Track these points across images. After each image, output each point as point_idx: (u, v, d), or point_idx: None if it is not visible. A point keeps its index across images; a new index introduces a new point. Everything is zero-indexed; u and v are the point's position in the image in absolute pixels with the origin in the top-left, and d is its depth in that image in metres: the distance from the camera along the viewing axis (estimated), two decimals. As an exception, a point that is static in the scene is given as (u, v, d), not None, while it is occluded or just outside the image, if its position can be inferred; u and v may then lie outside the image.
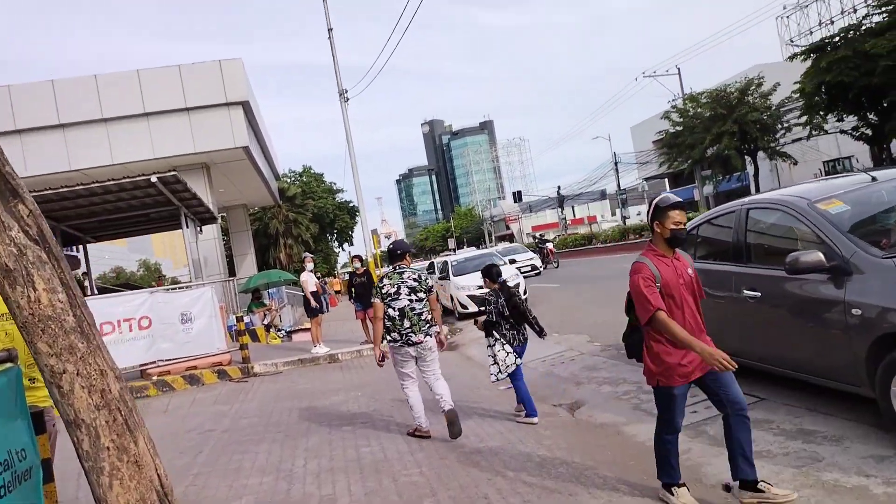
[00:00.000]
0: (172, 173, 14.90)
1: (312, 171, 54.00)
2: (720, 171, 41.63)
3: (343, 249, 58.16)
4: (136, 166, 19.84)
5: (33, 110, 19.71)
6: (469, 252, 20.45)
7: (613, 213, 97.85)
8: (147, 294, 9.54)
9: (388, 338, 5.50)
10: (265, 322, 14.20)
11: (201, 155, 21.41)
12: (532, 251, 29.50)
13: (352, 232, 55.38)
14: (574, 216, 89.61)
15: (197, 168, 22.20)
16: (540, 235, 35.34)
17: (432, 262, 24.15)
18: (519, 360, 5.76)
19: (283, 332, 14.06)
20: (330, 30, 19.21)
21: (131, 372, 9.57)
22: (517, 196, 68.76)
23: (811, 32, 56.04)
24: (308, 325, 11.82)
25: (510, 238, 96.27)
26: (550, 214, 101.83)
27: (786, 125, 36.11)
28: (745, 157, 38.55)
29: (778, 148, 37.28)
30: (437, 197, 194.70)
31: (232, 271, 33.97)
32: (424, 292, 5.57)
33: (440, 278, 16.60)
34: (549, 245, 31.42)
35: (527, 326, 6.11)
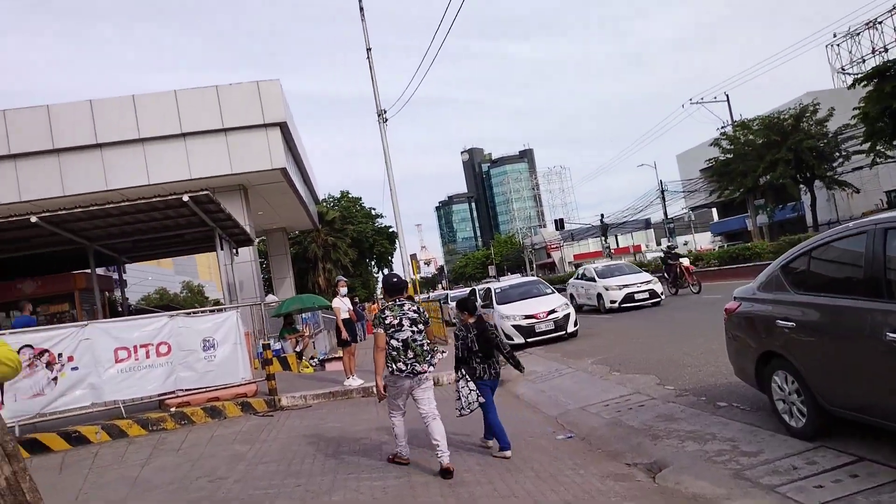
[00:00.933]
0: (205, 192, 14.35)
1: (351, 196, 53.84)
2: (773, 200, 39.86)
3: (383, 275, 57.68)
4: (173, 187, 19.47)
5: (71, 130, 19.59)
6: (513, 279, 19.24)
7: (658, 243, 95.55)
8: (166, 318, 8.78)
9: (393, 367, 5.57)
10: (297, 349, 13.38)
11: (238, 176, 21.00)
12: (649, 271, 22.22)
13: (391, 257, 54.85)
14: (617, 245, 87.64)
15: (234, 189, 21.80)
16: (668, 248, 26.45)
17: (473, 289, 23.11)
18: (482, 399, 5.90)
19: (315, 360, 13.22)
20: (369, 49, 18.68)
21: (149, 402, 8.79)
22: (559, 224, 67.31)
23: (863, 60, 54.34)
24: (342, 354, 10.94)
25: (551, 267, 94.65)
26: (593, 243, 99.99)
27: (844, 153, 34.41)
28: (801, 185, 36.78)
29: (836, 176, 35.50)
30: (476, 224, 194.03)
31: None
32: (423, 324, 5.74)
33: (483, 306, 15.56)
34: (685, 261, 22.07)
35: (502, 360, 6.23)
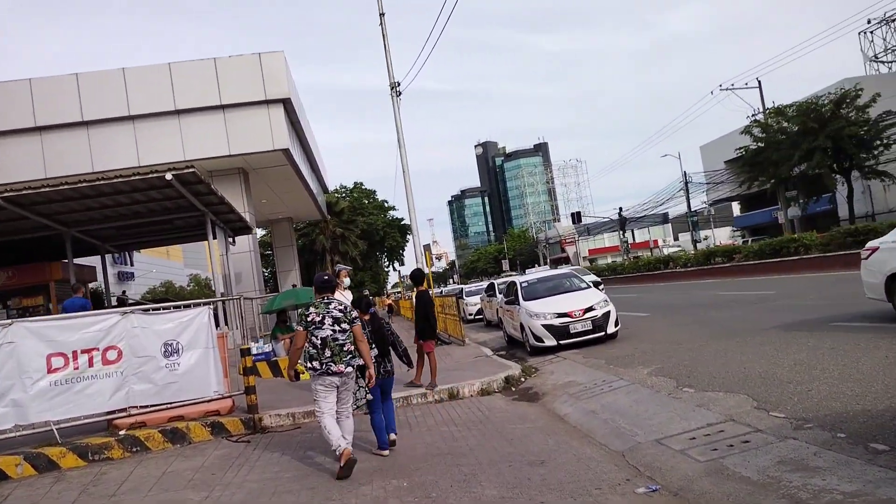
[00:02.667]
0: (191, 170, 12.58)
1: (364, 188, 52.01)
2: (806, 191, 37.60)
3: (394, 269, 55.81)
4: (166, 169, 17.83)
5: (55, 106, 17.91)
6: (542, 271, 17.05)
7: (676, 238, 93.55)
8: (117, 316, 6.91)
9: (309, 366, 5.58)
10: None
11: (237, 158, 19.26)
12: None
13: (402, 251, 53.06)
14: (633, 240, 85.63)
15: (233, 173, 20.09)
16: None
17: (492, 283, 21.15)
18: (370, 396, 5.93)
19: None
20: (381, 14, 16.79)
21: (95, 423, 6.96)
22: (576, 217, 65.21)
23: (901, 47, 51.67)
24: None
25: (565, 262, 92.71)
26: (608, 238, 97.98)
27: (885, 141, 32.16)
28: (836, 176, 34.51)
29: (876, 166, 33.23)
30: (489, 219, 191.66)
31: (276, 289, 31.86)
32: (348, 323, 5.69)
33: (506, 303, 13.66)
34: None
35: (394, 357, 6.49)
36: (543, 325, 11.54)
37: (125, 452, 6.52)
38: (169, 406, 6.98)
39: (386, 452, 5.94)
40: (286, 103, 19.05)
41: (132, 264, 52.62)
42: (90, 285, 18.43)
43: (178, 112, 18.56)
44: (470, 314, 23.37)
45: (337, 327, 5.55)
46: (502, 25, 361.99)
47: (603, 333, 11.45)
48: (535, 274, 14.52)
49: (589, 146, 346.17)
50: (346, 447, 5.37)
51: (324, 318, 5.54)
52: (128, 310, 7.25)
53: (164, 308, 7.36)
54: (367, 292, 21.57)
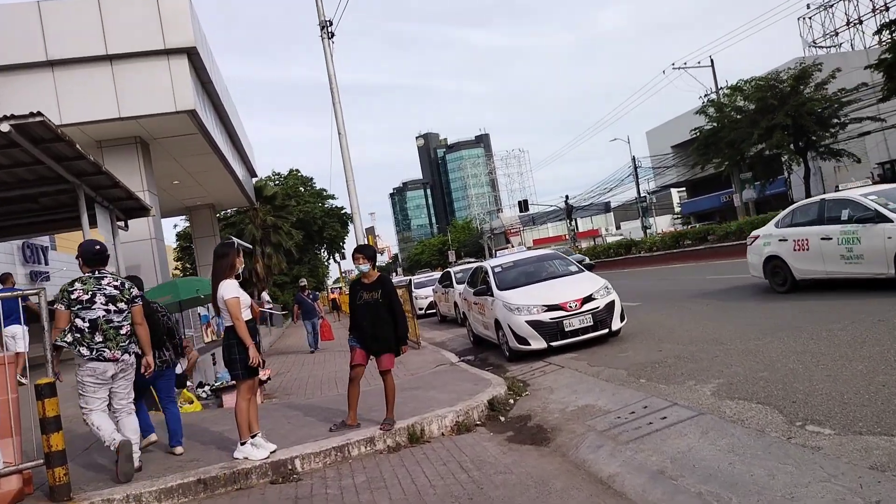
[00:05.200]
0: (39, 119, 9.07)
1: (300, 175, 48.05)
2: (763, 172, 36.32)
3: (334, 261, 51.99)
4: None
5: None
6: (517, 252, 13.71)
7: (618, 227, 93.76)
8: None
9: (76, 352, 4.72)
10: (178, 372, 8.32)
11: (131, 123, 15.57)
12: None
13: (343, 242, 49.44)
14: (577, 230, 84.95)
15: (129, 143, 16.42)
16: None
17: (448, 272, 18.10)
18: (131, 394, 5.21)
19: (207, 389, 8.09)
20: (309, -59, 13.52)
21: None
22: (523, 205, 63.01)
23: (836, 33, 51.84)
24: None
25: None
26: (553, 228, 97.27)
27: (842, 120, 31.22)
28: (796, 156, 33.38)
29: (832, 145, 32.32)
30: (432, 211, 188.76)
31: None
32: (126, 303, 4.94)
33: (475, 294, 10.62)
34: None
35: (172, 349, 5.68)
36: (528, 322, 8.63)
37: None
38: None
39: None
40: (191, 55, 15.48)
41: (47, 263, 46.99)
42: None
43: (52, 63, 14.79)
44: (420, 308, 20.36)
45: (112, 307, 4.81)
46: (437, 21, 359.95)
47: (607, 331, 8.65)
48: (508, 256, 11.49)
49: (529, 141, 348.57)
50: (119, 440, 4.58)
51: (94, 295, 4.74)
52: None
53: None
54: (304, 283, 18.23)
